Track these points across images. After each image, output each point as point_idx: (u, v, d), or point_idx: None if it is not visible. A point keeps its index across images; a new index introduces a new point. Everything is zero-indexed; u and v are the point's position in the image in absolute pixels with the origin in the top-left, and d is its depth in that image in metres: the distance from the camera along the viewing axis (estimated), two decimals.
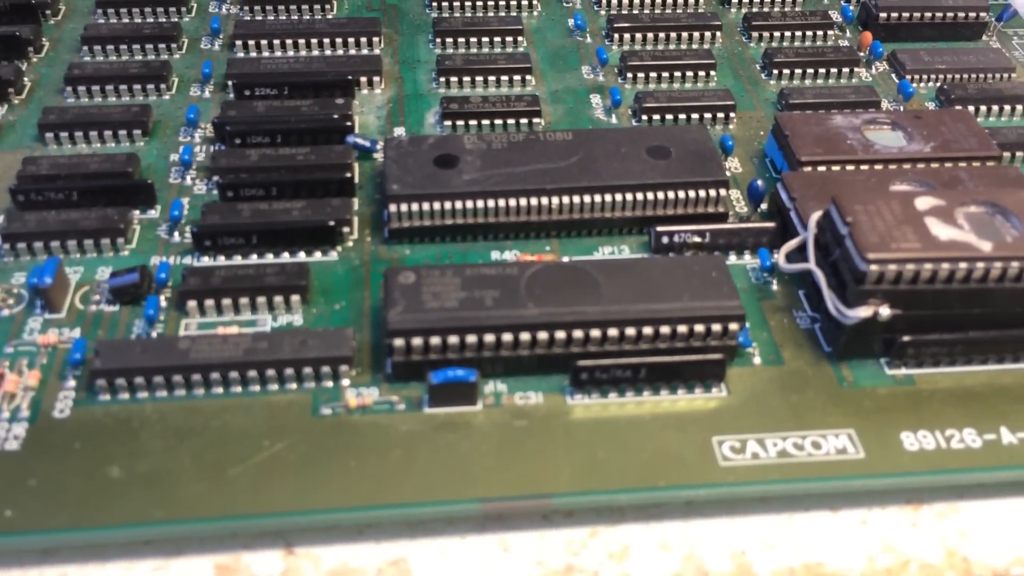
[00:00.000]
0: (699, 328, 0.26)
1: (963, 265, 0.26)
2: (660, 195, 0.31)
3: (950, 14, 0.40)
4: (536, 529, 0.24)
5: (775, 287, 0.30)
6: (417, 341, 0.26)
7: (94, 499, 0.23)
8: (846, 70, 0.38)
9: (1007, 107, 0.36)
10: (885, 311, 0.26)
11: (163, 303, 0.28)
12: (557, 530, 0.24)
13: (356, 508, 0.23)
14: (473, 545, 0.24)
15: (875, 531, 0.25)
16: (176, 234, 0.30)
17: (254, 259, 0.30)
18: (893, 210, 0.27)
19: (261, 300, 0.28)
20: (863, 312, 0.26)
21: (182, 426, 0.25)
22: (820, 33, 0.40)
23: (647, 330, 0.26)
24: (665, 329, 0.26)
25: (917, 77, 0.38)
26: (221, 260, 0.29)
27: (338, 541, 0.24)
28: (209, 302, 0.28)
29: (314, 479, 0.24)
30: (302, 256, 0.30)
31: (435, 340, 0.26)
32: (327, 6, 0.41)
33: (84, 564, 0.23)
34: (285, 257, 0.30)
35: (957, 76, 0.38)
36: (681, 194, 0.31)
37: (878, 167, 0.32)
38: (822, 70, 0.38)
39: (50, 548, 0.23)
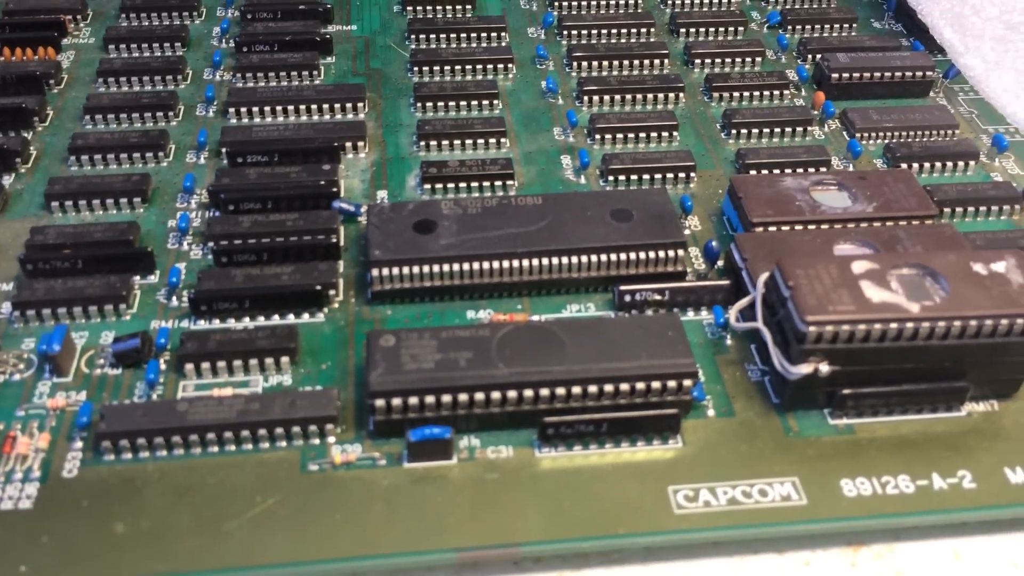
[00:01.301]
0: (656, 385, 0.29)
1: (894, 325, 0.28)
2: (623, 256, 0.33)
3: (898, 73, 0.43)
4: (508, 574, 0.27)
5: (729, 341, 0.32)
6: (397, 401, 0.28)
7: (101, 554, 0.25)
8: (800, 128, 0.41)
9: (949, 163, 0.39)
10: (824, 368, 0.28)
11: (163, 366, 0.30)
12: (527, 575, 0.27)
13: (342, 559, 0.26)
14: None
15: (818, 571, 0.27)
16: (174, 299, 0.33)
17: (247, 321, 0.32)
18: (831, 274, 0.29)
19: (253, 362, 0.30)
20: (804, 369, 0.28)
21: (181, 483, 0.27)
22: (777, 93, 0.43)
23: (608, 387, 0.28)
24: (625, 386, 0.29)
25: (866, 135, 0.41)
26: (216, 323, 0.32)
27: None
28: (205, 365, 0.30)
29: (303, 532, 0.26)
30: (291, 318, 0.32)
31: (413, 400, 0.28)
32: (315, 72, 0.43)
33: None
34: (276, 319, 0.32)
35: (904, 134, 0.41)
36: (643, 255, 0.33)
37: (824, 226, 0.34)
38: (778, 129, 0.41)
39: None
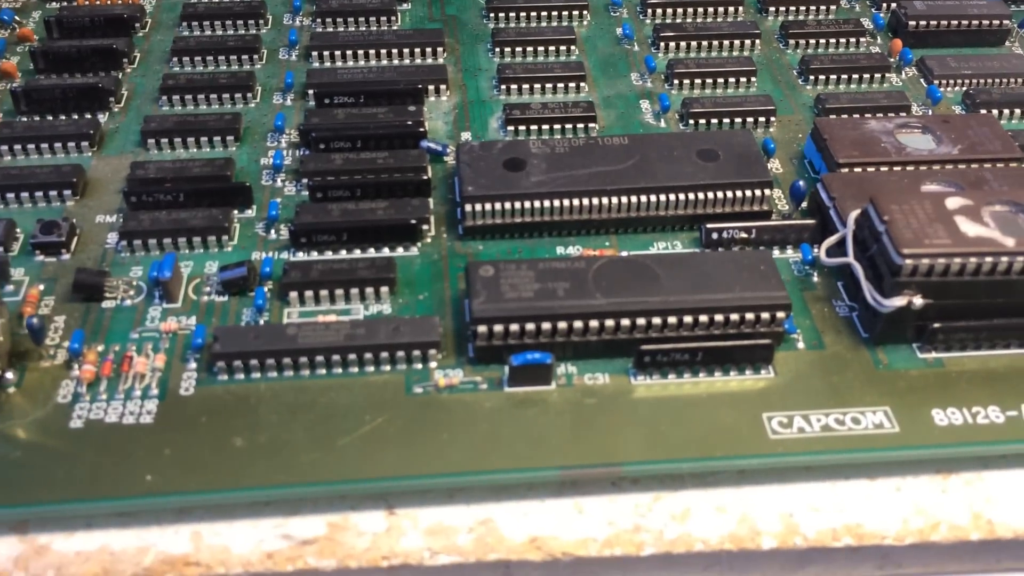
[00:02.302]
0: (749, 316, 0.29)
1: (989, 259, 0.28)
2: (710, 195, 0.34)
3: (975, 22, 0.43)
4: (606, 494, 0.28)
5: (816, 279, 0.33)
6: (498, 328, 0.29)
7: (221, 466, 0.27)
8: (878, 76, 0.41)
9: None
10: (918, 301, 0.29)
11: (267, 294, 0.31)
12: (625, 495, 0.28)
13: (449, 475, 0.27)
14: (551, 508, 0.27)
15: (908, 497, 0.28)
16: (272, 232, 0.34)
17: (343, 254, 0.33)
18: (926, 209, 0.30)
19: (354, 292, 0.31)
20: (898, 302, 0.29)
21: (293, 402, 0.28)
22: (853, 40, 0.43)
23: (703, 318, 0.29)
24: (719, 317, 0.29)
25: (944, 82, 0.41)
26: (315, 255, 0.33)
27: (433, 503, 0.27)
28: (308, 293, 0.31)
29: (411, 449, 0.27)
30: (386, 251, 0.33)
31: (514, 327, 0.29)
32: (392, 18, 0.44)
33: (214, 522, 0.27)
34: (371, 252, 0.33)
35: (982, 81, 0.41)
36: (729, 194, 0.34)
37: (910, 168, 0.34)
38: (855, 76, 0.41)
39: (185, 508, 0.27)
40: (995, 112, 0.39)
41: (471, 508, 0.27)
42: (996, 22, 0.43)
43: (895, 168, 0.34)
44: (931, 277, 0.29)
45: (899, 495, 0.28)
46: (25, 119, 0.38)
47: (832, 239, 0.32)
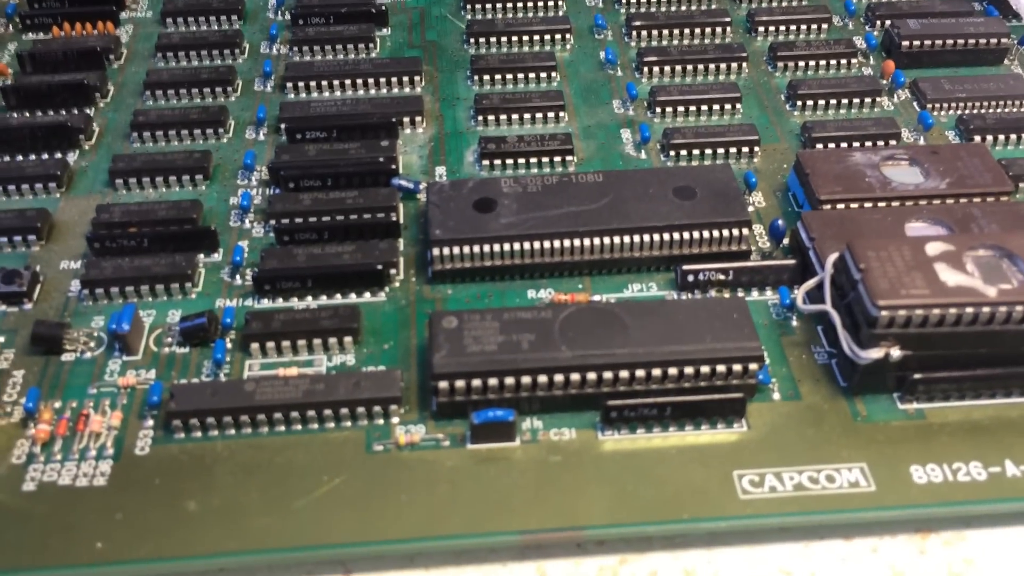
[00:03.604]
0: (721, 368, 0.28)
1: (969, 310, 0.27)
2: (686, 235, 0.33)
3: (971, 41, 0.41)
4: (571, 556, 0.27)
5: (795, 323, 0.31)
6: (460, 383, 0.28)
7: (174, 531, 0.26)
8: (868, 99, 0.40)
9: None
10: (896, 353, 0.28)
11: (229, 345, 0.31)
12: (590, 557, 0.27)
13: (407, 540, 0.26)
14: (513, 572, 0.26)
15: (885, 558, 0.27)
16: (238, 277, 0.33)
17: (309, 300, 0.32)
18: (904, 256, 0.28)
19: (317, 342, 0.30)
20: (875, 354, 0.28)
21: (250, 462, 0.28)
22: (844, 61, 0.42)
23: (672, 371, 0.28)
24: (689, 370, 0.28)
25: (937, 106, 0.39)
26: (279, 302, 0.32)
27: (392, 568, 0.26)
28: (270, 344, 0.30)
29: (369, 512, 0.26)
30: (353, 297, 0.32)
31: (476, 382, 0.28)
32: (371, 44, 0.43)
33: None
34: (338, 298, 0.32)
35: (977, 104, 0.39)
36: (706, 234, 0.33)
37: (896, 204, 0.33)
38: (845, 100, 0.40)
39: None
40: (989, 138, 0.38)
41: (431, 572, 0.26)
42: (994, 40, 0.42)
43: (880, 204, 0.33)
44: (909, 328, 0.28)
45: (875, 556, 0.27)
46: None
47: (810, 283, 0.31)
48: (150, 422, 0.29)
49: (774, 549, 0.27)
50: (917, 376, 0.28)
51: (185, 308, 0.32)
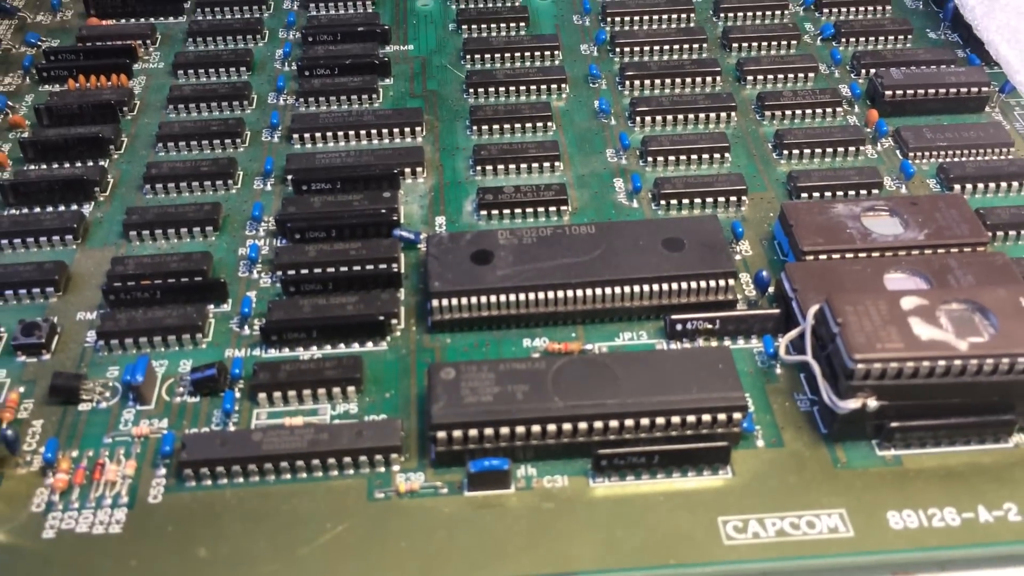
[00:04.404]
0: (706, 418, 0.30)
1: (942, 363, 0.29)
2: (674, 286, 0.34)
3: (953, 90, 0.43)
4: None
5: (779, 370, 0.33)
6: (457, 433, 0.29)
7: None
8: (852, 148, 0.41)
9: (1003, 184, 0.39)
10: (873, 403, 0.29)
11: (237, 395, 0.32)
12: None
13: None
14: None
15: None
16: (246, 328, 0.34)
17: (314, 350, 0.34)
18: (880, 310, 0.30)
19: (321, 391, 0.32)
20: (853, 404, 0.29)
21: (258, 510, 0.29)
22: (830, 110, 0.43)
23: (659, 420, 0.30)
24: (676, 419, 0.30)
25: (919, 154, 0.41)
26: (286, 351, 0.34)
27: None
28: (277, 394, 0.32)
29: (370, 559, 0.28)
30: (356, 346, 0.34)
31: (473, 432, 0.29)
32: (374, 95, 0.45)
33: None
34: (341, 347, 0.34)
35: (957, 153, 0.41)
36: (693, 284, 0.34)
37: (876, 254, 0.35)
38: (830, 149, 0.41)
39: None
40: (969, 187, 0.39)
41: None
42: (975, 89, 0.43)
43: (860, 255, 0.35)
44: (885, 380, 0.29)
45: None
46: (14, 211, 0.39)
47: (792, 333, 0.32)
48: (163, 471, 0.30)
49: None
50: (894, 424, 0.30)
51: (196, 358, 0.33)
